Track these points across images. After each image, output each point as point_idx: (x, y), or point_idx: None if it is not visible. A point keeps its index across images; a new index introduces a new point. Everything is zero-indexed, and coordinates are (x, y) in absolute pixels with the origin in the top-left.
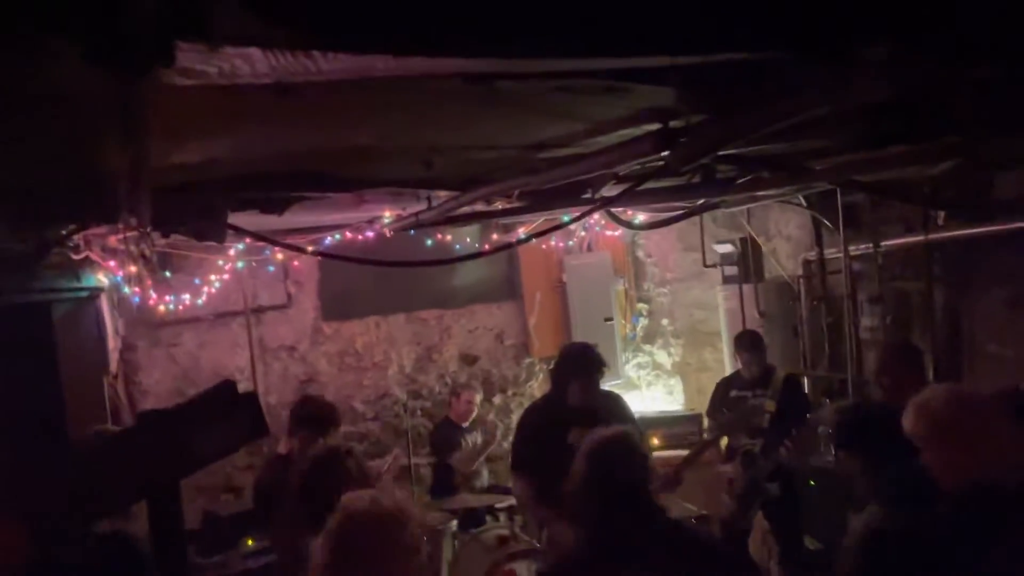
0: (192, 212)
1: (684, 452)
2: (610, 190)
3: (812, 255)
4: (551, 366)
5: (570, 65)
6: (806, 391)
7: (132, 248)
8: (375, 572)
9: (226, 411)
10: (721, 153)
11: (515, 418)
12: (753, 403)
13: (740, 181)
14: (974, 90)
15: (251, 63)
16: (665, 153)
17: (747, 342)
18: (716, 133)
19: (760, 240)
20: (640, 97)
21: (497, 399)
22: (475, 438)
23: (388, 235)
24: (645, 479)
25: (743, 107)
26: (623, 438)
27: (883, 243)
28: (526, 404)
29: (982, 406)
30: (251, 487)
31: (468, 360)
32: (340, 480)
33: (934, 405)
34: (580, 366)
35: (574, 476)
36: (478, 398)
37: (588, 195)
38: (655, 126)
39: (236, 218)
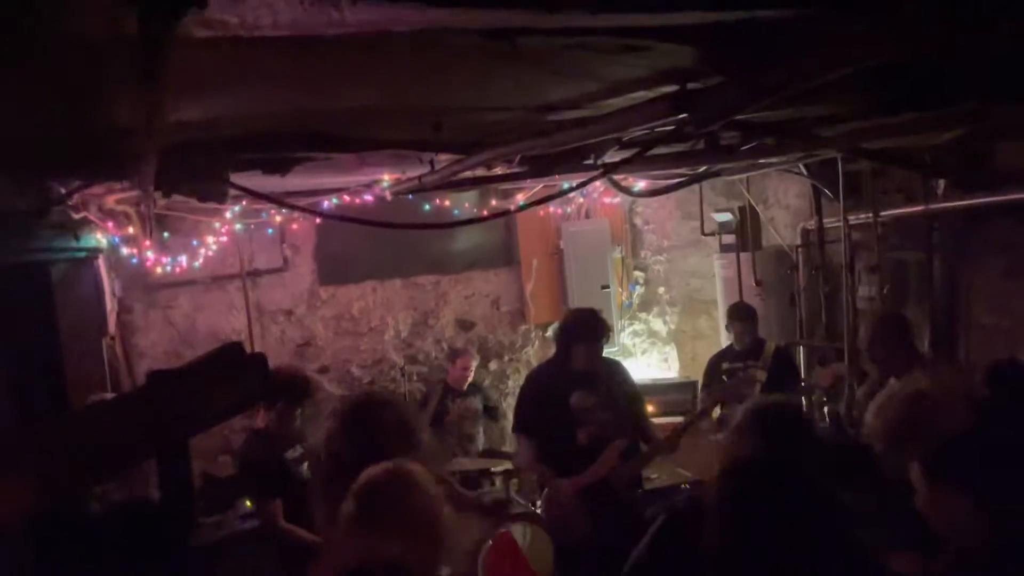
0: (194, 172)
1: (679, 419)
2: (612, 156)
3: (811, 224)
4: (556, 330)
5: (595, 21)
6: (796, 362)
7: (143, 208)
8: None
9: (234, 371)
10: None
11: (511, 384)
12: (744, 375)
13: (745, 148)
14: (994, 54)
15: (274, 13)
16: (682, 116)
17: (739, 313)
18: (736, 95)
19: (759, 209)
20: (660, 56)
21: (493, 365)
22: (471, 403)
23: (388, 199)
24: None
25: (766, 68)
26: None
27: (883, 213)
28: (522, 370)
29: (941, 405)
30: (236, 464)
31: (464, 326)
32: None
33: (893, 406)
34: (588, 330)
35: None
36: (474, 364)
37: (590, 161)
38: (671, 88)
39: (237, 179)
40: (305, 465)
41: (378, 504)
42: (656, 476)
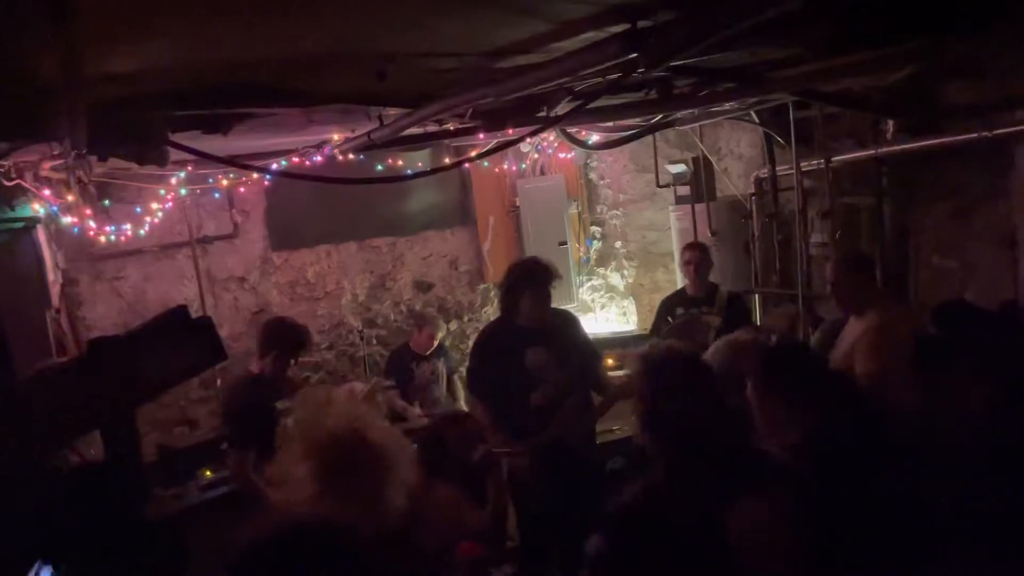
0: (129, 132)
1: None
2: (565, 108)
3: (764, 173)
4: (501, 285)
5: None
6: (749, 308)
7: (76, 174)
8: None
9: (180, 336)
10: (679, 64)
11: (471, 344)
12: (697, 319)
13: (698, 95)
14: None
15: None
16: (632, 56)
17: (692, 245)
18: (688, 31)
19: (712, 159)
20: None
21: (453, 325)
22: (434, 366)
23: (339, 158)
24: None
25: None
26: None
27: (834, 159)
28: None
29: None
30: (222, 407)
31: (422, 287)
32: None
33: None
34: (533, 277)
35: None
36: (440, 335)
37: (543, 113)
38: (622, 27)
39: (176, 140)
40: (291, 419)
41: (333, 464)
42: (617, 428)
